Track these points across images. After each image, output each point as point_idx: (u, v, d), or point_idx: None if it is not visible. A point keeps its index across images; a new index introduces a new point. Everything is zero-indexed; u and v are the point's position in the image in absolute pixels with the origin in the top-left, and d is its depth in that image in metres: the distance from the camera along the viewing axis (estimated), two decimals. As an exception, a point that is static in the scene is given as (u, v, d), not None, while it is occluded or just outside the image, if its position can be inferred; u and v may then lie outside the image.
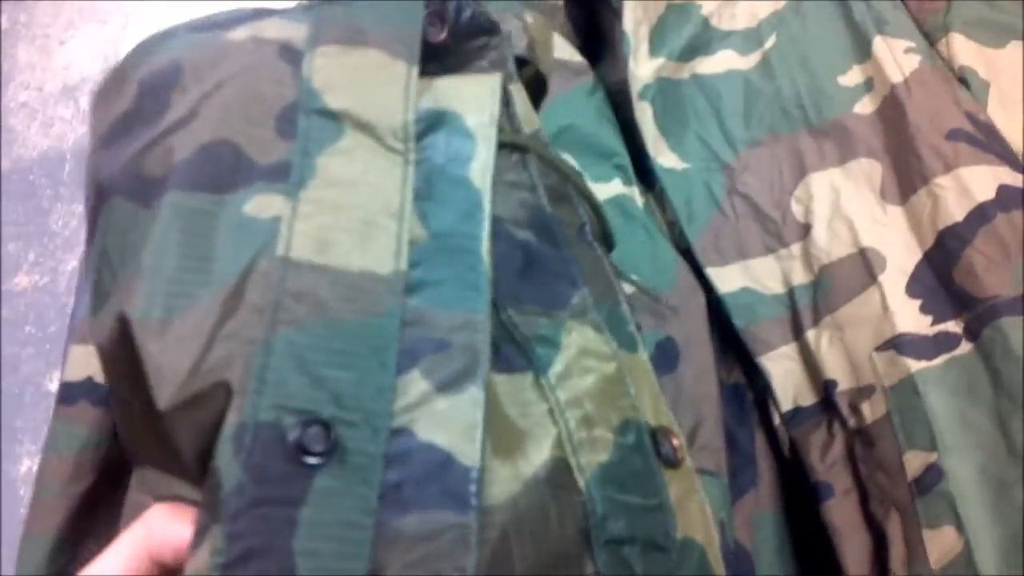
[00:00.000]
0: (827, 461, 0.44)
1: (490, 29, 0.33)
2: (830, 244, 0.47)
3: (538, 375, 0.27)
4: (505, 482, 0.24)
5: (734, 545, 0.44)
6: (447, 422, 0.24)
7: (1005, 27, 0.50)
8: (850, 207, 0.47)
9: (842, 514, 0.43)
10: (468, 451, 0.24)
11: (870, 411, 0.43)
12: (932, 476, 0.39)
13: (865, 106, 0.49)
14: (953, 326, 0.42)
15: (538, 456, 0.25)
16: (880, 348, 0.44)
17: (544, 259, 0.30)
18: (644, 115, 0.54)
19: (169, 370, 0.24)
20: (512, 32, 0.35)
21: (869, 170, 0.48)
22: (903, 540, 0.39)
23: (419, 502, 0.23)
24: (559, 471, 0.26)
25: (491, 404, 0.25)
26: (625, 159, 0.53)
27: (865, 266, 0.46)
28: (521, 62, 0.35)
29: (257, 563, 0.22)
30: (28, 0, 1.10)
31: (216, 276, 0.25)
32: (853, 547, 0.42)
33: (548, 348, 0.28)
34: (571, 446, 0.26)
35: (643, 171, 0.53)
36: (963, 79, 0.48)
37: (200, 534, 0.23)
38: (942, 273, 0.43)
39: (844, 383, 0.45)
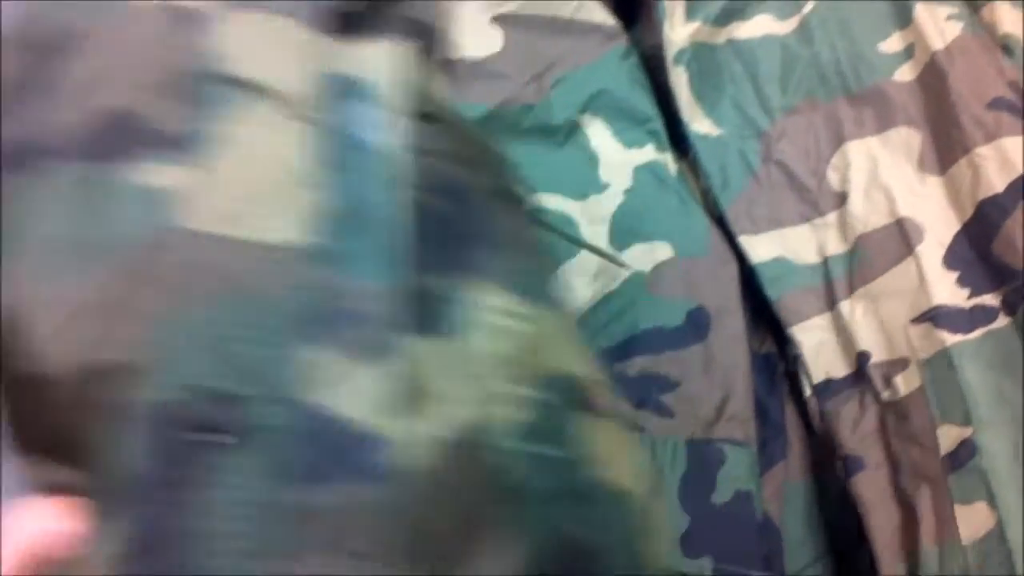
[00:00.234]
0: (858, 434, 0.44)
1: None
2: (867, 214, 0.47)
3: (455, 339, 0.26)
4: (423, 448, 0.23)
5: (763, 517, 0.43)
6: (361, 394, 0.23)
7: (1051, -7, 0.49)
8: (888, 176, 0.47)
9: (872, 487, 0.42)
10: (383, 423, 0.23)
11: (904, 384, 0.43)
12: (966, 451, 0.39)
13: (905, 74, 0.48)
14: (990, 299, 0.42)
15: (456, 420, 0.25)
16: (916, 320, 0.43)
17: (458, 224, 0.29)
18: (679, 80, 0.53)
19: (63, 349, 0.23)
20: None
21: (908, 139, 0.47)
22: (934, 515, 0.39)
23: (334, 477, 0.22)
24: (478, 432, 0.25)
25: (407, 371, 0.24)
26: (658, 125, 0.52)
27: (902, 237, 0.45)
28: (430, 30, 0.34)
29: (166, 549, 0.21)
30: None
31: (112, 249, 0.24)
32: (882, 520, 0.41)
33: (465, 311, 0.27)
34: (489, 408, 0.25)
35: (677, 137, 0.52)
36: (1006, 47, 0.47)
37: (100, 523, 0.21)
38: (981, 245, 0.43)
39: (878, 355, 0.44)
